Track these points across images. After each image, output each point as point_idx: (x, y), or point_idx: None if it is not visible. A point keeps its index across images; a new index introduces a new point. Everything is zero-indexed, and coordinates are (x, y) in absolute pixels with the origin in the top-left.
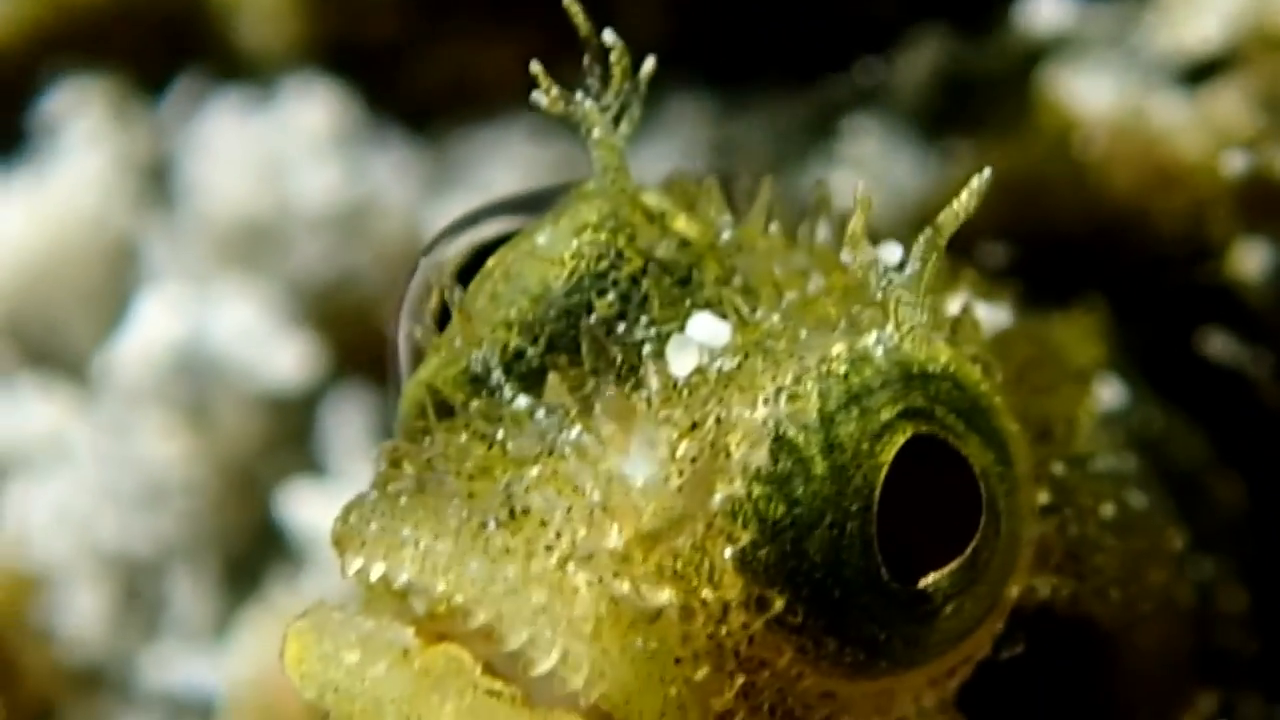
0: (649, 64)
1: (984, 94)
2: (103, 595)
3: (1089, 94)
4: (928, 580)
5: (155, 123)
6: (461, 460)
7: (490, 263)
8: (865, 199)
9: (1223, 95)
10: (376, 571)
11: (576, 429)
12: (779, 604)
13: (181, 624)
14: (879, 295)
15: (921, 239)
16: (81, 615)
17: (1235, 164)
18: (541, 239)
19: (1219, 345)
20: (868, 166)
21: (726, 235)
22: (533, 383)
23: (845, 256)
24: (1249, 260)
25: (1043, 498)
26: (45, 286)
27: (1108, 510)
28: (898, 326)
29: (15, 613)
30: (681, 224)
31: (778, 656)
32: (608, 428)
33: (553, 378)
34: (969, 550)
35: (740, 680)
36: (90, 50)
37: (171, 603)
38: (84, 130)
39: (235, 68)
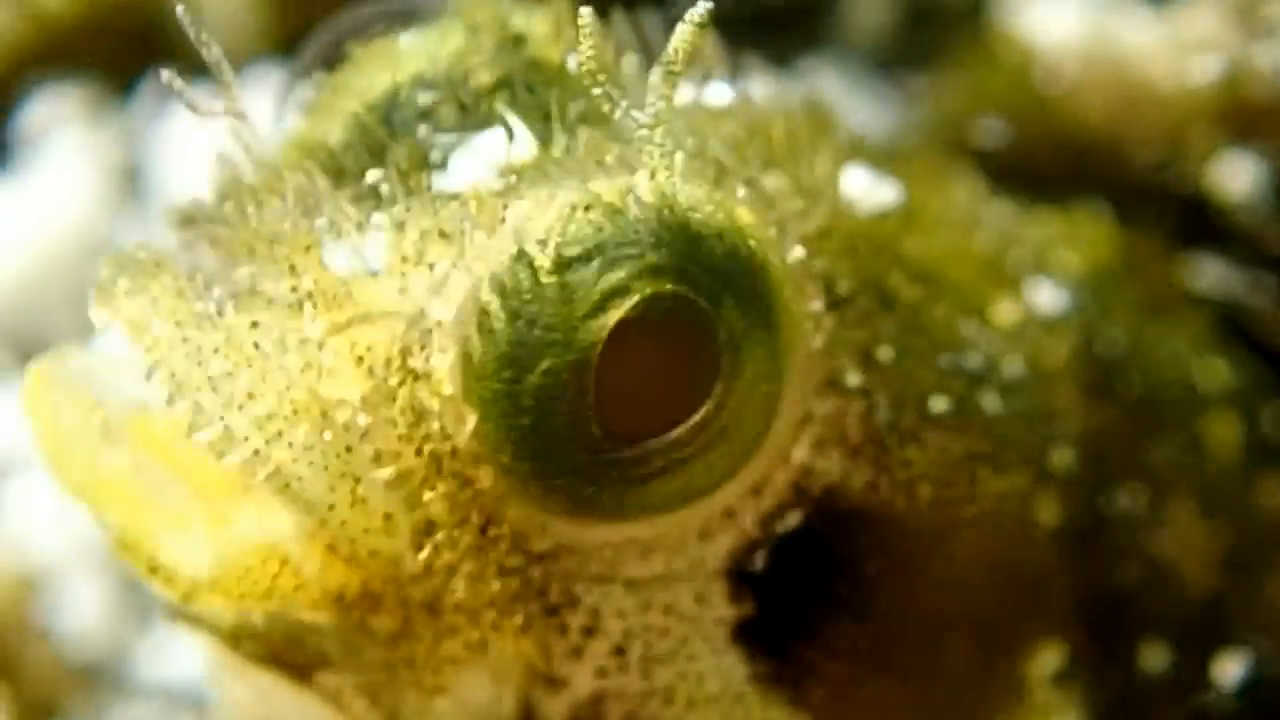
0: None
1: (941, 29)
2: (100, 592)
3: (1051, 23)
4: (647, 444)
5: (128, 126)
6: (230, 230)
7: (355, 54)
8: (589, 36)
9: (1194, 9)
10: (104, 319)
11: (317, 217)
12: (484, 431)
13: None
14: (639, 137)
15: (655, 74)
16: (80, 612)
17: (1210, 77)
18: (402, 41)
19: (1208, 270)
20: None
21: (570, 64)
22: (332, 171)
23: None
24: (1234, 177)
25: (853, 378)
26: (35, 292)
27: (939, 404)
28: (655, 173)
29: (16, 612)
30: (537, 49)
31: (479, 476)
32: (344, 221)
33: (308, 165)
34: (698, 416)
35: (441, 489)
36: (66, 60)
37: None
38: (64, 139)
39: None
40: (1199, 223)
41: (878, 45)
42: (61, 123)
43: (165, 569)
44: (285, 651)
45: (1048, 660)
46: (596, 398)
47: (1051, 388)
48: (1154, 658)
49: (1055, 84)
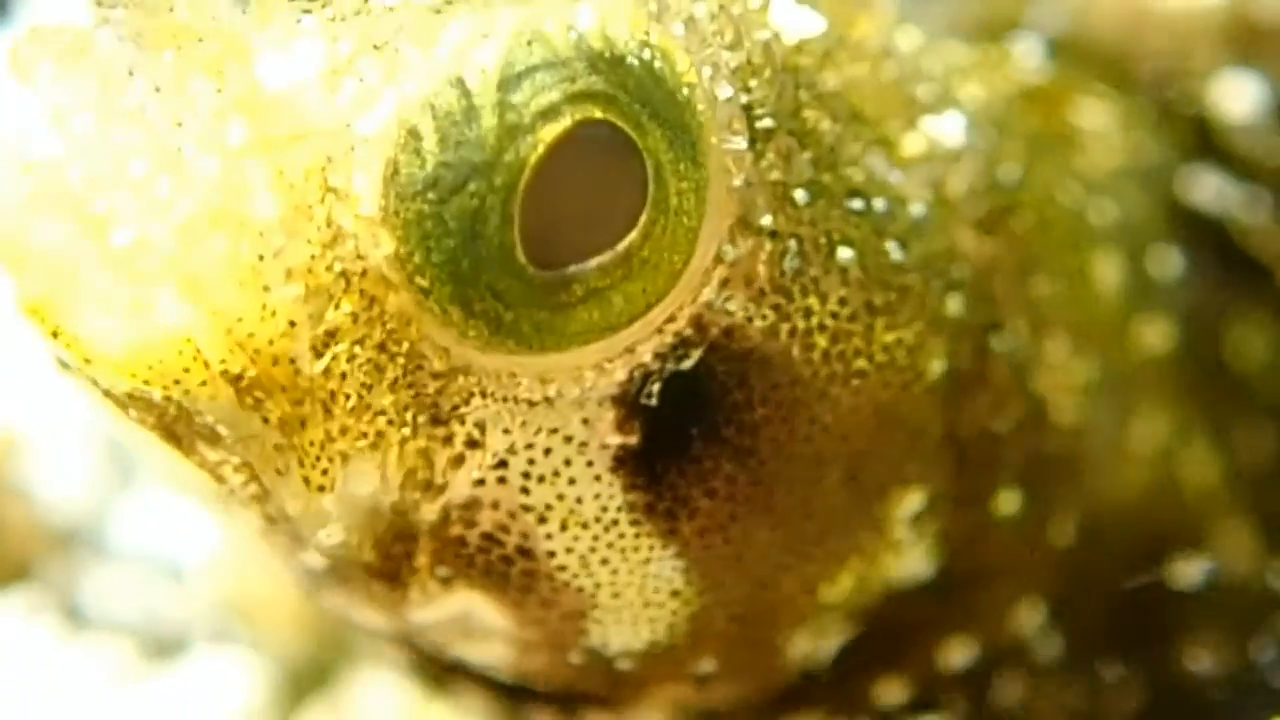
0: None
1: None
2: (81, 456)
3: None
4: (570, 269)
5: None
6: (156, 18)
7: None
8: None
9: None
10: (21, 98)
11: (246, 13)
12: (403, 254)
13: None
14: None
15: None
16: (60, 475)
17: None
18: None
19: (1206, 184)
20: None
21: None
22: None
23: None
24: (1236, 96)
25: (766, 220)
26: None
27: (844, 254)
28: (599, 6)
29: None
30: None
31: (388, 297)
32: (273, 21)
33: None
34: (622, 245)
35: (347, 306)
36: None
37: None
38: None
39: None
40: (1199, 139)
41: None
42: None
43: (73, 337)
44: (175, 423)
45: (911, 501)
46: (521, 222)
47: (949, 226)
48: (1007, 502)
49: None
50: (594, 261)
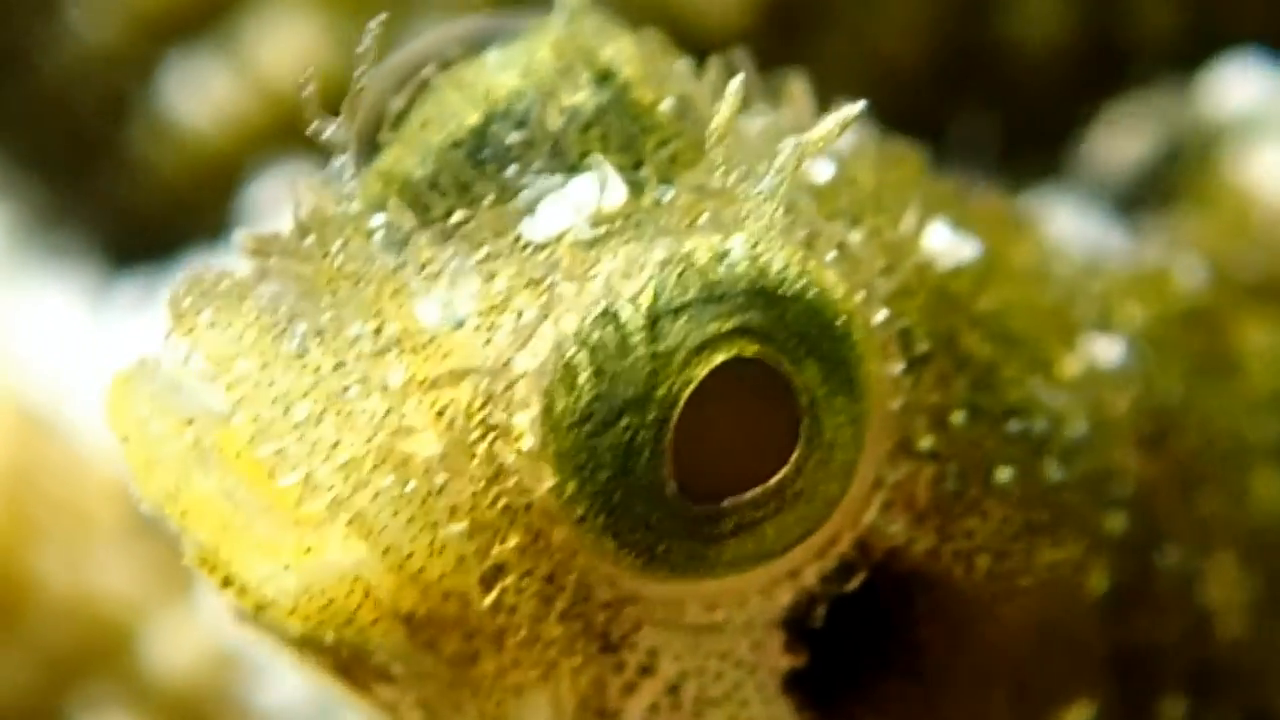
0: None
1: (1172, 172)
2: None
3: (1273, 171)
4: (723, 503)
5: None
6: (312, 265)
7: (435, 82)
8: (736, 97)
9: None
10: (183, 351)
11: (402, 257)
12: (560, 487)
13: None
14: (743, 200)
15: (787, 150)
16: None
17: None
18: (487, 69)
19: None
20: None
21: (665, 106)
22: (419, 211)
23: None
24: None
25: (925, 442)
26: None
27: (1004, 475)
28: (752, 238)
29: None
30: (622, 82)
31: (553, 530)
32: (429, 263)
33: (394, 202)
34: (775, 480)
35: (513, 541)
36: (295, 139)
37: None
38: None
39: None
40: None
41: (1114, 183)
42: (287, 201)
43: (244, 585)
44: (350, 664)
45: (1078, 716)
46: (675, 456)
47: (1110, 445)
48: (1173, 708)
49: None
50: (747, 495)
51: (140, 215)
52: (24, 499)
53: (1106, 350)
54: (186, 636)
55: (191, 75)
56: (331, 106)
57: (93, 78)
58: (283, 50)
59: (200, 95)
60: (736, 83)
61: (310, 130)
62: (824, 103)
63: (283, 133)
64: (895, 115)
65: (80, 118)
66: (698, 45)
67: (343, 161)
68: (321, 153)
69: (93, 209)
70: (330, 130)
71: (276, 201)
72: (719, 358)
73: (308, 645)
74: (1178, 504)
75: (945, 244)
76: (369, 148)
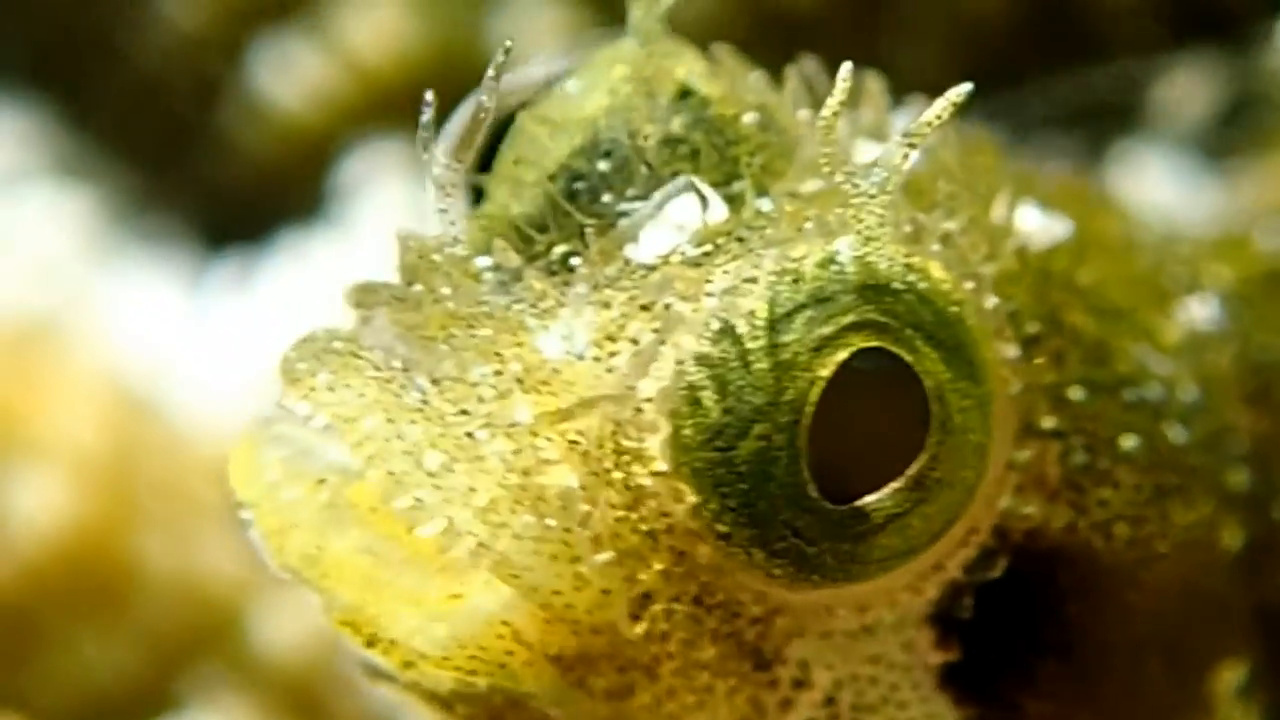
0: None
1: (1259, 117)
2: None
3: None
4: (865, 500)
5: None
6: (422, 312)
7: (520, 119)
8: (836, 103)
9: None
10: (305, 410)
11: (514, 298)
12: (700, 505)
13: None
14: (848, 201)
15: (892, 144)
16: None
17: None
18: (561, 102)
19: None
20: (1147, 195)
21: (748, 119)
22: (524, 248)
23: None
24: None
25: (1048, 421)
26: None
27: (1129, 442)
28: (859, 238)
29: (325, 663)
30: (703, 99)
31: (697, 549)
32: (541, 299)
33: (499, 242)
34: (913, 471)
35: (657, 565)
36: (386, 116)
37: None
38: (381, 196)
39: None
40: None
41: (1198, 132)
42: (379, 179)
43: (392, 641)
44: (503, 713)
45: (1232, 676)
46: (811, 459)
47: (1221, 405)
48: None
49: None
50: (887, 489)
51: (233, 196)
52: (126, 482)
53: (1201, 312)
54: (294, 616)
55: (281, 56)
56: (420, 86)
57: (183, 62)
58: (371, 28)
59: (290, 75)
60: (839, 88)
61: (419, 118)
62: (908, 65)
63: (373, 110)
64: (979, 73)
65: (172, 102)
66: (784, 13)
67: (447, 203)
68: (411, 129)
69: (186, 192)
70: (425, 120)
71: (368, 179)
72: (841, 354)
73: (459, 698)
74: None
75: (1038, 225)
76: (473, 185)
